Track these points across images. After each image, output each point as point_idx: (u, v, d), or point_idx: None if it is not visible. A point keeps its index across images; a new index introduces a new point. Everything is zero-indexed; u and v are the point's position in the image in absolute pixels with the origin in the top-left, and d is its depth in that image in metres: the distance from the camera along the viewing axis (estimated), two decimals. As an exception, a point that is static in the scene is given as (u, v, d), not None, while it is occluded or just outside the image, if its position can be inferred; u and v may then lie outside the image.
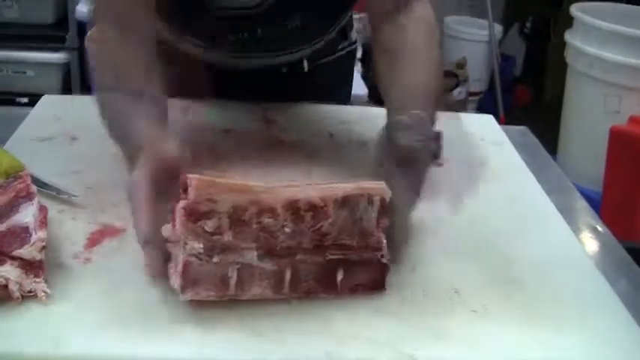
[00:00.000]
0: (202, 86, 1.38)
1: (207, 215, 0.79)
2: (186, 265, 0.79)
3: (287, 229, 0.82)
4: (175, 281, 0.80)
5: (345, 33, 1.44)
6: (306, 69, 1.41)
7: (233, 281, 0.81)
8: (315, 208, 0.83)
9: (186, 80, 1.28)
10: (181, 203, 0.79)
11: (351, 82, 1.60)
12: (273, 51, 1.34)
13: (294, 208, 0.82)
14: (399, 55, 1.08)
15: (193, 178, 0.80)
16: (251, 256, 0.82)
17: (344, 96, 1.54)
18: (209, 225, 0.79)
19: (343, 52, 1.46)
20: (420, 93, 1.02)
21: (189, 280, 0.79)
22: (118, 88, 0.98)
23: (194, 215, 0.79)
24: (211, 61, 1.34)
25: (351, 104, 1.53)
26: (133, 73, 1.00)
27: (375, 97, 1.46)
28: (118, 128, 0.98)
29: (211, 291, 0.80)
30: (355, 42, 1.49)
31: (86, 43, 1.47)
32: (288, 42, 1.33)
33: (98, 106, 1.01)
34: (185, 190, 0.81)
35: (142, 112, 0.95)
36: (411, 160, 0.94)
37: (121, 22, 1.03)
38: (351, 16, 1.45)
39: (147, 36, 1.05)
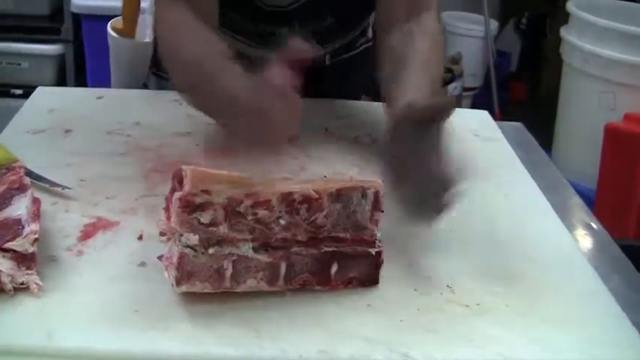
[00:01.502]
0: None
1: (202, 207, 0.79)
2: (181, 258, 0.79)
3: (282, 222, 0.82)
4: (171, 273, 0.80)
5: (364, 30, 1.46)
6: (327, 63, 1.43)
7: (228, 273, 0.81)
8: (310, 201, 0.83)
9: None
10: (176, 195, 0.79)
11: (367, 77, 1.61)
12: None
13: (288, 201, 0.82)
14: (408, 58, 1.11)
15: (188, 170, 0.80)
16: (246, 249, 0.82)
17: (359, 90, 1.56)
18: (204, 217, 0.79)
19: (361, 49, 1.47)
20: (427, 92, 1.04)
21: (185, 272, 0.79)
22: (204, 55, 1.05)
23: (189, 207, 0.78)
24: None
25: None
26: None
27: (371, 93, 1.46)
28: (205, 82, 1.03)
29: (207, 283, 0.80)
30: (372, 39, 1.50)
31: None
32: (321, 38, 1.35)
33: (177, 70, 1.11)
34: (180, 182, 0.81)
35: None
36: (434, 114, 0.93)
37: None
38: None
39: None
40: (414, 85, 1.05)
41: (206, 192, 0.79)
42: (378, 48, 1.21)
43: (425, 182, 0.90)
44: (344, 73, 1.47)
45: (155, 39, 1.21)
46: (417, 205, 0.91)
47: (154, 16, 1.19)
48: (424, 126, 0.92)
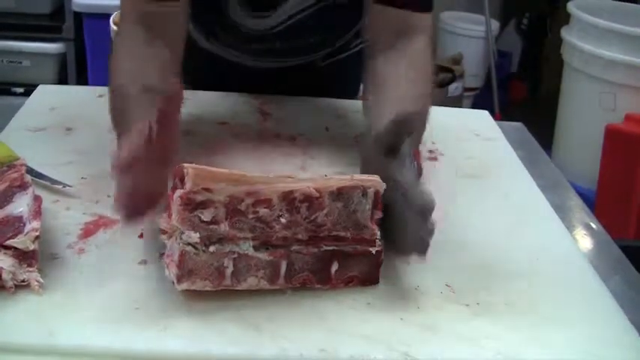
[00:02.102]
0: (220, 77, 1.44)
1: (203, 205, 0.79)
2: (182, 255, 0.79)
3: (282, 220, 0.82)
4: (171, 271, 0.80)
5: (358, 32, 1.46)
6: (321, 64, 1.44)
7: (229, 271, 0.81)
8: (310, 199, 0.83)
9: (204, 72, 1.40)
10: (178, 192, 0.79)
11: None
12: (291, 57, 1.38)
13: (289, 199, 0.82)
14: (388, 83, 1.08)
15: (190, 168, 0.80)
16: (247, 247, 0.82)
17: (356, 88, 1.56)
18: (205, 215, 0.79)
19: (356, 49, 1.47)
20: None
21: (186, 270, 0.79)
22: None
23: (190, 205, 0.79)
24: (232, 59, 1.39)
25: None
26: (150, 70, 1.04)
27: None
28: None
29: (207, 281, 0.80)
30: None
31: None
32: (305, 51, 1.38)
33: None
34: (182, 180, 0.81)
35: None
36: (397, 135, 0.90)
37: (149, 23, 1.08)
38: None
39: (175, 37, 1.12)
40: (387, 109, 1.00)
41: (207, 190, 0.79)
42: (365, 73, 1.17)
43: (405, 214, 0.86)
44: (340, 72, 1.47)
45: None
46: (402, 238, 0.88)
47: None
48: (392, 152, 0.90)
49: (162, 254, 0.84)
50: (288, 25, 1.27)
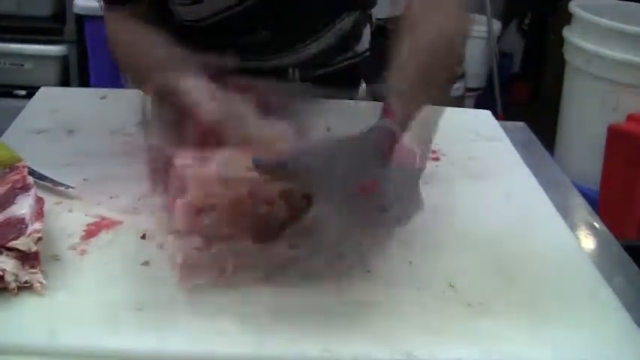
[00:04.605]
0: None
1: (205, 207, 0.79)
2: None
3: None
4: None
5: (345, 47, 1.41)
6: (294, 77, 1.37)
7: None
8: (310, 198, 0.83)
9: None
10: (180, 197, 0.79)
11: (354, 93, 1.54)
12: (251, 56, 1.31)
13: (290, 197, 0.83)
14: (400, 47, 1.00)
15: (191, 170, 0.80)
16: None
17: None
18: (207, 216, 0.79)
19: (341, 65, 1.42)
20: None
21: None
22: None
23: (192, 206, 0.79)
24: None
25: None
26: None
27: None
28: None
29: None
30: (362, 54, 1.44)
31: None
32: (258, 51, 1.32)
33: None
34: (183, 184, 0.81)
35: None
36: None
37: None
38: (358, 27, 1.41)
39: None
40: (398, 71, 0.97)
41: (209, 193, 0.79)
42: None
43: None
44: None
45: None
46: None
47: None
48: None
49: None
50: (229, 16, 1.24)
